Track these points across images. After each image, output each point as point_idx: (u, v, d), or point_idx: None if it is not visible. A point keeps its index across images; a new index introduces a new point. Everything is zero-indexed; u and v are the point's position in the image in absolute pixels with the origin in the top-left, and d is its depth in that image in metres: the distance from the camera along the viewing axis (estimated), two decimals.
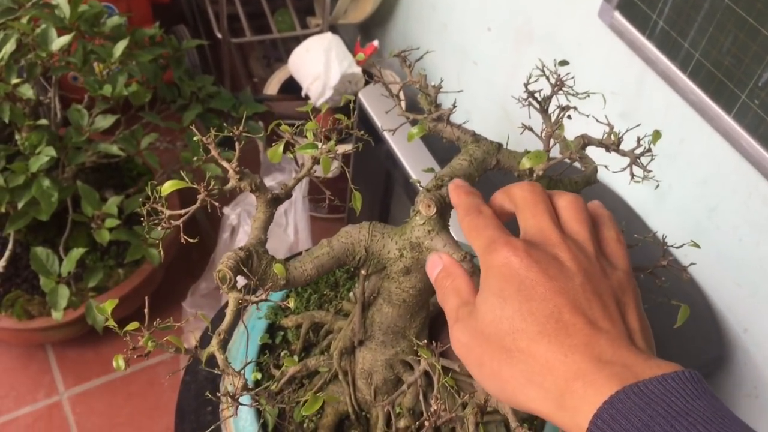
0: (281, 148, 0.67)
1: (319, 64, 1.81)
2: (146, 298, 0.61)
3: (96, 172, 1.58)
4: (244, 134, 0.65)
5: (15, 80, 1.24)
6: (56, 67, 1.36)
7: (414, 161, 1.31)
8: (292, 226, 1.52)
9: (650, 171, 0.69)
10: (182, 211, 0.62)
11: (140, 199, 1.44)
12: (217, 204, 0.60)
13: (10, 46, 1.26)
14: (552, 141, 0.69)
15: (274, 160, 0.66)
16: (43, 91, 1.59)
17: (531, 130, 0.66)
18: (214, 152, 0.65)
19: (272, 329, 0.87)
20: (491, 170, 0.70)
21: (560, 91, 0.71)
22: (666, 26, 1.18)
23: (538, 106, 0.71)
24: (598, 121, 0.71)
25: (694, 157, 1.23)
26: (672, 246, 0.67)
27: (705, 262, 1.27)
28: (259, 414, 0.78)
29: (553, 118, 0.70)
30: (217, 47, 2.09)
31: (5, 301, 1.48)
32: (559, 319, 0.45)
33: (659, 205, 1.33)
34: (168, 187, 0.62)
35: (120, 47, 1.36)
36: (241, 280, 0.59)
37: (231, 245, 1.59)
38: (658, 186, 0.71)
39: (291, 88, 1.94)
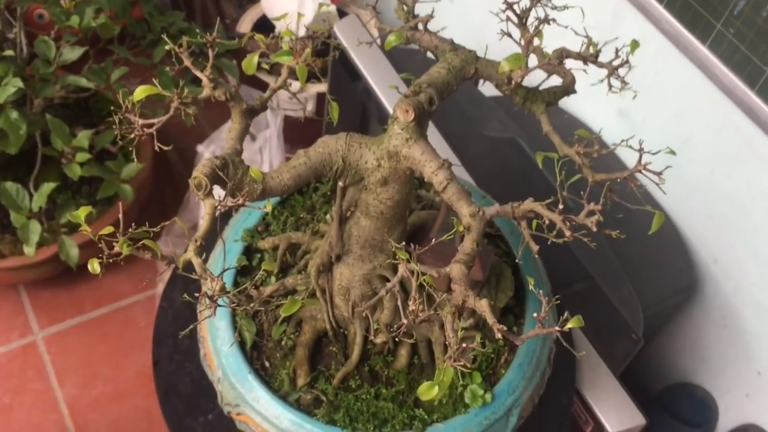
0: (256, 58, 0.66)
1: (292, 1, 1.78)
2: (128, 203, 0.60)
3: (65, 108, 1.55)
4: (215, 70, 0.64)
5: None
6: None
7: (390, 94, 1.30)
8: (267, 164, 1.50)
9: (627, 83, 0.69)
10: (155, 120, 0.62)
11: (112, 108, 1.42)
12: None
13: None
14: (531, 53, 0.69)
15: (248, 70, 0.65)
16: (8, 27, 1.54)
17: (510, 36, 0.65)
18: (187, 62, 0.64)
19: (249, 252, 0.87)
20: (469, 79, 0.69)
21: (538, 4, 0.71)
22: None
23: (516, 20, 0.70)
24: (576, 33, 0.71)
25: (668, 90, 1.24)
26: (648, 152, 0.68)
27: (676, 194, 1.29)
28: (238, 333, 0.79)
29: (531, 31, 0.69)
30: None
31: None
32: None
33: (633, 139, 1.34)
34: (140, 92, 0.61)
35: None
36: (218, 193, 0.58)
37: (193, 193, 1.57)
38: (635, 96, 0.71)
39: (264, 27, 1.90)
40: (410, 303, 0.53)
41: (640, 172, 0.64)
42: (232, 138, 0.65)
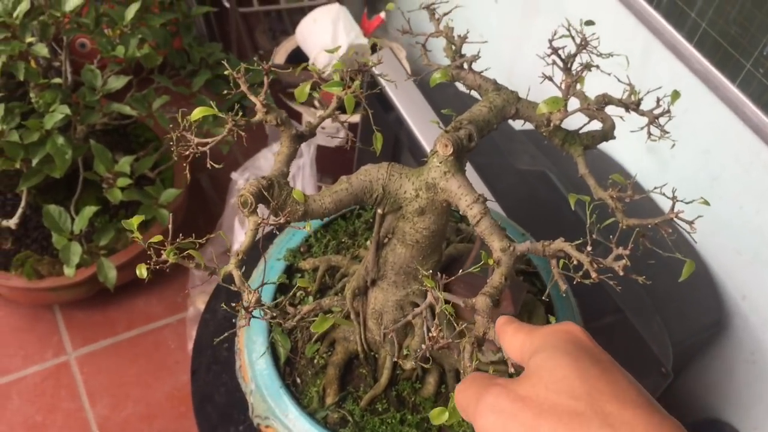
0: (308, 87, 0.69)
1: (326, 34, 1.82)
2: (171, 215, 0.63)
3: (106, 134, 1.60)
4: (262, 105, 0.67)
5: (29, 39, 1.25)
6: (68, 29, 1.37)
7: (423, 126, 1.33)
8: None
9: (668, 132, 0.71)
10: (209, 140, 0.65)
11: (169, 125, 1.46)
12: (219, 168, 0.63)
13: (24, 6, 1.27)
14: (571, 96, 0.71)
15: (300, 99, 0.68)
16: (53, 55, 1.60)
17: (551, 79, 0.68)
18: (243, 87, 0.67)
19: (290, 271, 0.89)
20: (509, 119, 0.72)
21: (583, 50, 0.73)
22: None
23: (561, 64, 0.72)
24: (619, 80, 0.73)
25: (697, 127, 1.26)
26: (682, 201, 0.69)
27: (705, 230, 1.29)
28: (273, 348, 0.81)
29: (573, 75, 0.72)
30: (223, 18, 2.10)
31: (15, 261, 1.50)
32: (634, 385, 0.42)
33: (662, 174, 1.35)
34: (197, 112, 0.64)
35: (132, 10, 1.37)
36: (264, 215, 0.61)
37: (239, 211, 1.61)
38: (674, 145, 0.73)
39: (297, 58, 1.95)
40: (432, 330, 0.55)
41: (672, 220, 0.65)
42: (280, 161, 0.68)
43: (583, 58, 0.71)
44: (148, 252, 0.59)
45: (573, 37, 0.72)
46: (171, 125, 1.53)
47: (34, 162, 1.23)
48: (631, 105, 0.71)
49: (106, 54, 1.35)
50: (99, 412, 1.52)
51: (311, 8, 1.95)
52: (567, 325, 0.47)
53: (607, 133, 0.74)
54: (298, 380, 0.81)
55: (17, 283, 1.49)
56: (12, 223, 1.39)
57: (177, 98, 1.55)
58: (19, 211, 1.38)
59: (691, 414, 1.44)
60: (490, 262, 0.61)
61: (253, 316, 0.59)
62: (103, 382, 1.57)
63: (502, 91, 0.72)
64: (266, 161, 1.59)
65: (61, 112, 1.22)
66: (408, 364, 0.80)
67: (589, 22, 0.74)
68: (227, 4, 1.98)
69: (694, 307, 1.25)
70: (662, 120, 0.72)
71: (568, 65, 0.69)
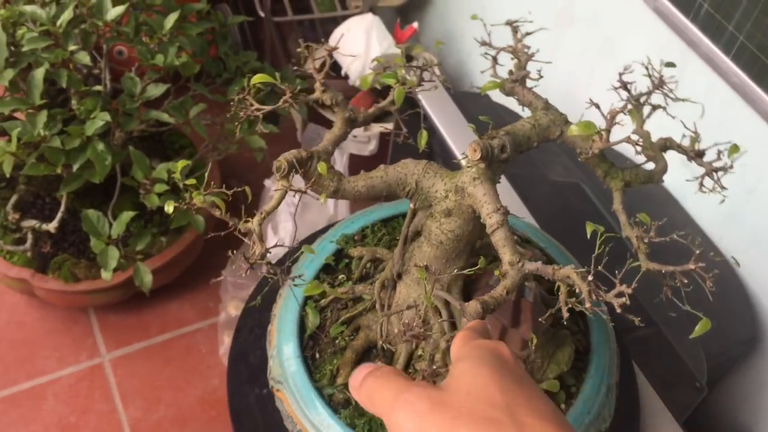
0: (371, 77, 0.71)
1: (359, 43, 1.84)
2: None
3: (142, 141, 1.62)
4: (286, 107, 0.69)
5: (72, 47, 1.28)
6: (109, 38, 1.40)
7: (456, 137, 1.34)
8: (331, 200, 1.55)
9: (725, 188, 0.70)
10: (267, 107, 0.67)
11: (236, 88, 1.50)
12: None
13: (67, 15, 1.30)
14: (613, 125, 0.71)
15: (364, 86, 0.69)
16: (93, 63, 1.63)
17: (597, 107, 0.68)
18: (310, 63, 0.69)
19: (339, 255, 0.91)
20: (553, 140, 0.72)
21: (657, 91, 0.73)
22: (710, 9, 1.19)
23: (633, 100, 0.72)
24: (685, 127, 0.72)
25: (733, 139, 1.24)
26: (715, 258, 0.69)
27: (741, 244, 1.28)
28: (303, 322, 0.83)
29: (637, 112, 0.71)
30: (257, 27, 2.13)
31: (52, 264, 1.53)
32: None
33: (697, 186, 1.34)
34: (257, 78, 0.67)
35: (171, 19, 1.40)
36: (296, 198, 0.63)
37: (272, 217, 1.62)
38: (723, 201, 0.73)
39: (331, 67, 1.97)
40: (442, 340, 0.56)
41: (692, 270, 0.64)
42: (328, 140, 0.69)
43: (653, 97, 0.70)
44: (187, 193, 0.61)
45: (650, 75, 0.71)
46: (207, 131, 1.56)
47: (75, 167, 1.26)
48: (692, 153, 0.71)
49: (146, 62, 1.37)
50: (132, 415, 1.55)
51: (344, 18, 1.96)
52: (497, 343, 0.48)
53: (654, 176, 0.74)
54: (317, 356, 0.82)
55: (54, 285, 1.52)
56: (52, 227, 1.42)
57: (212, 106, 1.58)
58: (59, 215, 1.41)
59: (722, 428, 1.43)
60: (496, 273, 0.62)
61: (251, 267, 0.60)
62: (136, 385, 1.59)
63: (551, 111, 0.73)
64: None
65: (101, 119, 1.25)
66: (420, 365, 0.81)
67: (670, 64, 0.73)
68: (262, 14, 2.01)
69: (728, 322, 1.24)
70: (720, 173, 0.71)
71: (641, 102, 0.69)
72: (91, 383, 1.59)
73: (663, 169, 0.73)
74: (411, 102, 1.46)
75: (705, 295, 1.23)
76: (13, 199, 1.49)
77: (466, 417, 0.41)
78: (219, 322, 1.63)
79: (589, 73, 1.53)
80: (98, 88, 1.32)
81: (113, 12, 1.34)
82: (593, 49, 1.50)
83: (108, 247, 1.30)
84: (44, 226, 1.44)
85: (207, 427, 1.53)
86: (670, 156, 1.39)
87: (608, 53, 1.47)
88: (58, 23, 1.30)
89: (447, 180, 0.70)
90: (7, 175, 1.29)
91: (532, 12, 1.68)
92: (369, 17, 1.89)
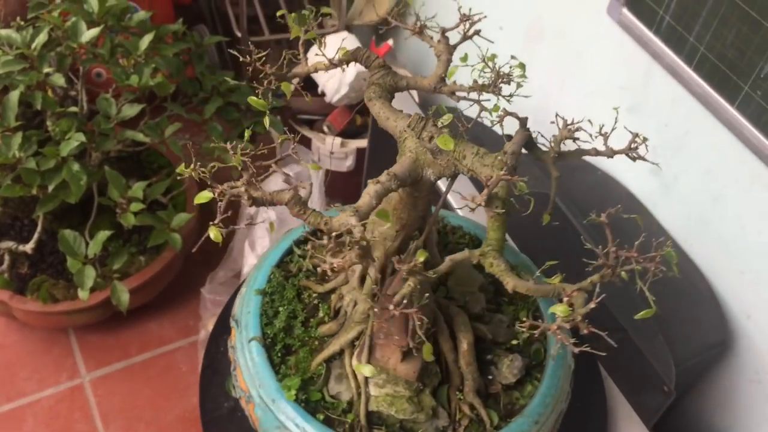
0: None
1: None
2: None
3: (120, 161, 1.63)
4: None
5: (47, 69, 1.29)
6: (84, 59, 1.41)
7: None
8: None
9: (656, 164, 0.72)
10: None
11: (212, 107, 1.51)
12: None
13: (42, 38, 1.32)
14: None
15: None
16: (70, 85, 1.65)
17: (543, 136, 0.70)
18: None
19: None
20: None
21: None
22: (672, 21, 1.22)
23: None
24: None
25: (698, 148, 1.28)
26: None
27: (709, 250, 1.31)
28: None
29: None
30: (236, 46, 2.15)
31: (31, 285, 1.53)
32: None
33: (665, 196, 1.37)
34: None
35: (146, 40, 1.42)
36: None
37: (249, 234, 1.64)
38: (658, 166, 0.75)
39: (308, 85, 1.99)
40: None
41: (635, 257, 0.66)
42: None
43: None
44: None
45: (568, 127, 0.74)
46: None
47: (50, 188, 1.27)
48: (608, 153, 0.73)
49: (121, 83, 1.39)
50: None
51: (321, 36, 1.99)
52: None
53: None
54: (290, 345, 0.86)
55: (33, 306, 1.52)
56: (28, 248, 1.43)
57: (189, 125, 1.59)
58: (35, 236, 1.41)
59: None
60: (420, 257, 0.63)
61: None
62: (116, 405, 1.59)
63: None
64: (276, 185, 1.62)
65: (76, 140, 1.26)
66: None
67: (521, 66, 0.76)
68: (239, 34, 2.03)
69: (698, 326, 1.26)
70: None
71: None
72: (72, 404, 1.59)
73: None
74: None
75: (675, 301, 1.25)
76: None
77: None
78: (199, 340, 1.64)
79: (559, 86, 1.56)
80: (74, 109, 1.34)
81: (88, 34, 1.36)
82: (563, 62, 1.53)
83: (85, 266, 1.31)
84: (21, 248, 1.45)
85: None
86: (640, 166, 1.41)
87: (578, 66, 1.50)
88: (33, 46, 1.31)
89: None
90: None
91: (504, 27, 1.71)
92: (344, 35, 1.92)
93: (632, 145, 0.72)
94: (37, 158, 1.26)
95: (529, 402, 0.79)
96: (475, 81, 0.76)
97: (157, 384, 1.63)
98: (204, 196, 0.64)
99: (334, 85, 1.87)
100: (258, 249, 1.58)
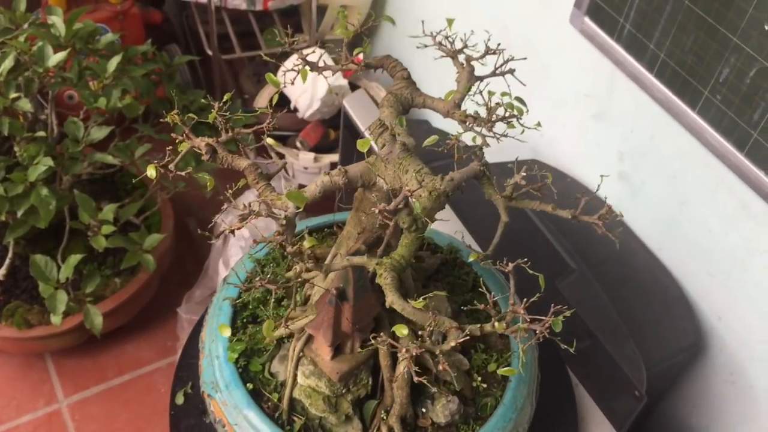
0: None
1: (307, 77, 1.87)
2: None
3: (92, 183, 1.63)
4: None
5: (13, 95, 1.29)
6: (52, 83, 1.41)
7: None
8: None
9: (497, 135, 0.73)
10: None
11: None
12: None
13: (8, 63, 1.32)
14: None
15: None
16: (40, 108, 1.64)
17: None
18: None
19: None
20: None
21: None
22: (632, 29, 1.24)
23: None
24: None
25: (664, 153, 1.29)
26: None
27: (678, 254, 1.32)
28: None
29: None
30: (208, 65, 2.15)
31: (5, 311, 1.52)
32: None
33: (633, 201, 1.38)
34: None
35: (114, 62, 1.42)
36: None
37: (223, 252, 1.63)
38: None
39: (280, 101, 2.00)
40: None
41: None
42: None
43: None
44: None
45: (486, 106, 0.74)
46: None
47: (19, 213, 1.27)
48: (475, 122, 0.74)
49: (90, 106, 1.39)
50: None
51: (292, 52, 1.99)
52: None
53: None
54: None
55: (8, 333, 1.51)
56: (0, 274, 1.42)
57: (161, 146, 1.59)
58: (7, 261, 1.41)
59: None
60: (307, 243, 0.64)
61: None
62: (95, 429, 1.58)
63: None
64: (253, 197, 1.62)
65: (44, 164, 1.26)
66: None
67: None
68: (210, 52, 2.04)
69: (670, 330, 1.27)
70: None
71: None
72: (49, 429, 1.57)
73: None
74: (352, 130, 1.49)
75: (646, 305, 1.26)
76: None
77: None
78: (176, 361, 1.62)
79: (528, 97, 1.57)
80: (41, 133, 1.34)
81: (55, 58, 1.36)
82: (530, 72, 1.54)
83: (57, 291, 1.30)
84: None
85: None
86: (608, 172, 1.43)
87: (544, 76, 1.51)
88: None
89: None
90: None
91: (472, 38, 1.73)
92: (316, 51, 1.92)
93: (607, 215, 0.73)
94: (5, 184, 1.25)
95: None
96: (476, 112, 0.76)
97: (135, 406, 1.62)
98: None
99: (306, 100, 1.87)
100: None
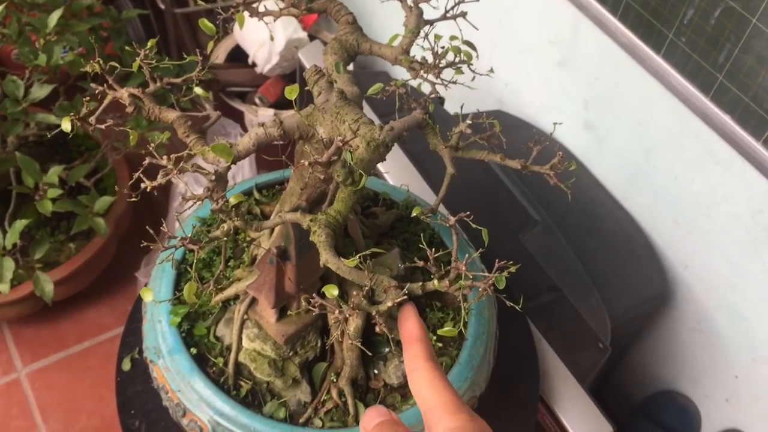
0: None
1: (264, 30, 1.80)
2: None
3: (40, 145, 1.56)
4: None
5: None
6: None
7: None
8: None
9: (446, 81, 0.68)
10: None
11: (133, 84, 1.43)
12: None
13: None
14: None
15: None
16: None
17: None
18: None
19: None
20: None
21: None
22: None
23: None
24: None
25: (629, 100, 1.25)
26: None
27: (644, 202, 1.30)
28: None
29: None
30: (163, 19, 2.06)
31: None
32: None
33: (599, 150, 1.35)
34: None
35: (54, 17, 1.34)
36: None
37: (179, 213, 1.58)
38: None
39: (238, 56, 1.93)
40: None
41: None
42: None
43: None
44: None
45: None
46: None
47: None
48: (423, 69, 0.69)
49: (29, 63, 1.31)
50: (52, 428, 1.50)
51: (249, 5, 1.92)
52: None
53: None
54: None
55: None
56: None
57: (111, 104, 1.52)
58: None
59: (644, 388, 1.45)
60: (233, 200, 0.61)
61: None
62: (56, 397, 1.54)
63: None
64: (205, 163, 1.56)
65: None
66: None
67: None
68: (162, 6, 1.95)
69: (635, 280, 1.25)
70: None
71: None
72: (8, 400, 1.53)
73: None
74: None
75: (611, 255, 1.24)
76: None
77: None
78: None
79: (490, 45, 1.52)
80: None
81: None
82: (492, 21, 1.49)
83: (3, 258, 1.25)
84: None
85: None
86: (574, 121, 1.39)
87: (507, 24, 1.46)
88: None
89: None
90: None
91: None
92: (272, 3, 1.85)
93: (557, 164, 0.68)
94: None
95: (409, 409, 0.74)
96: (424, 58, 0.71)
97: (97, 373, 1.59)
98: None
99: (265, 54, 1.81)
100: None
